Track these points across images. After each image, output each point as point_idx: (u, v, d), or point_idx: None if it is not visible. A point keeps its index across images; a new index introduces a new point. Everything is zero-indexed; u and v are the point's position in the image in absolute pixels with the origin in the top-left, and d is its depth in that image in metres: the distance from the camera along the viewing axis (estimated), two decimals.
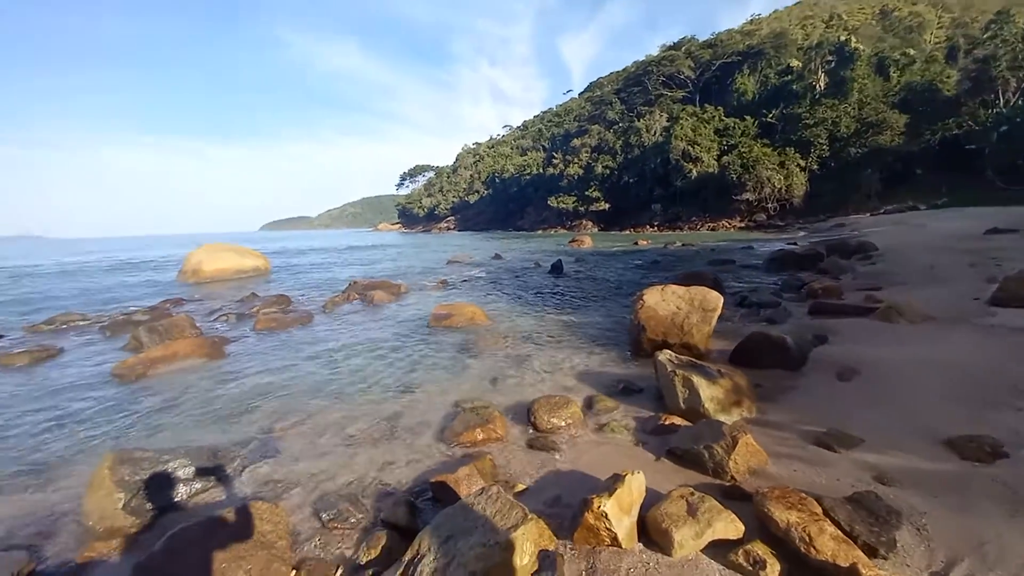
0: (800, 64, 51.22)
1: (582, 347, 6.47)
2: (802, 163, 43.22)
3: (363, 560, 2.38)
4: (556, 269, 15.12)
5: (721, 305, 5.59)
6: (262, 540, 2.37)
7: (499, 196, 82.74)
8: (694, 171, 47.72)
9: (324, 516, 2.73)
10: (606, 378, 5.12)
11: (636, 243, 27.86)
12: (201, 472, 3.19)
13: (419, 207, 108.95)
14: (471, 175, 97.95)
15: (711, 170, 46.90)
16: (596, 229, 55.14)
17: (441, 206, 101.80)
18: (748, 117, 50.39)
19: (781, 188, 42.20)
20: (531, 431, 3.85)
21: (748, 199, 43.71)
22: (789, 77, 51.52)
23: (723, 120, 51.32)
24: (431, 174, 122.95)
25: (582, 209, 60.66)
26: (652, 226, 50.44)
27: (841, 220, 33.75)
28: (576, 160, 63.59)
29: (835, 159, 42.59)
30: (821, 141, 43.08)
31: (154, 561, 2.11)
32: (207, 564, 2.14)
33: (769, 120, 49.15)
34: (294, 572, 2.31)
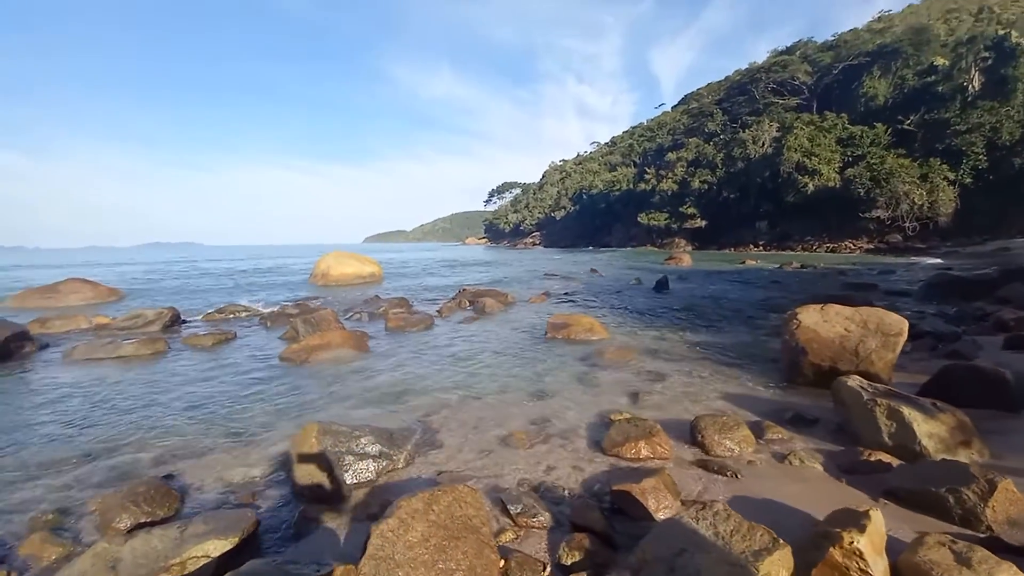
0: (947, 62, 44.25)
1: (719, 369, 5.99)
2: (951, 176, 37.00)
3: (566, 561, 2.32)
4: (661, 286, 14.42)
5: (907, 330, 4.82)
6: (469, 523, 2.41)
7: (585, 212, 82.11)
8: (810, 185, 43.12)
9: (512, 509, 2.74)
10: (762, 404, 4.65)
11: (743, 262, 25.71)
12: (385, 451, 3.41)
13: (505, 222, 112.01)
14: (558, 191, 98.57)
15: (832, 184, 42.03)
16: (690, 247, 52.06)
17: (527, 222, 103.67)
18: (879, 124, 44.54)
19: (923, 204, 36.44)
20: (698, 451, 3.58)
21: (879, 217, 38.35)
22: (933, 77, 44.74)
23: (847, 128, 45.90)
24: (518, 191, 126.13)
25: (675, 226, 57.82)
26: (756, 245, 46.46)
27: (1005, 244, 28.07)
28: (670, 175, 60.96)
29: (994, 171, 35.83)
30: (977, 150, 36.61)
31: (384, 528, 2.23)
32: (428, 538, 2.23)
33: (906, 127, 43.03)
34: (503, 562, 2.32)
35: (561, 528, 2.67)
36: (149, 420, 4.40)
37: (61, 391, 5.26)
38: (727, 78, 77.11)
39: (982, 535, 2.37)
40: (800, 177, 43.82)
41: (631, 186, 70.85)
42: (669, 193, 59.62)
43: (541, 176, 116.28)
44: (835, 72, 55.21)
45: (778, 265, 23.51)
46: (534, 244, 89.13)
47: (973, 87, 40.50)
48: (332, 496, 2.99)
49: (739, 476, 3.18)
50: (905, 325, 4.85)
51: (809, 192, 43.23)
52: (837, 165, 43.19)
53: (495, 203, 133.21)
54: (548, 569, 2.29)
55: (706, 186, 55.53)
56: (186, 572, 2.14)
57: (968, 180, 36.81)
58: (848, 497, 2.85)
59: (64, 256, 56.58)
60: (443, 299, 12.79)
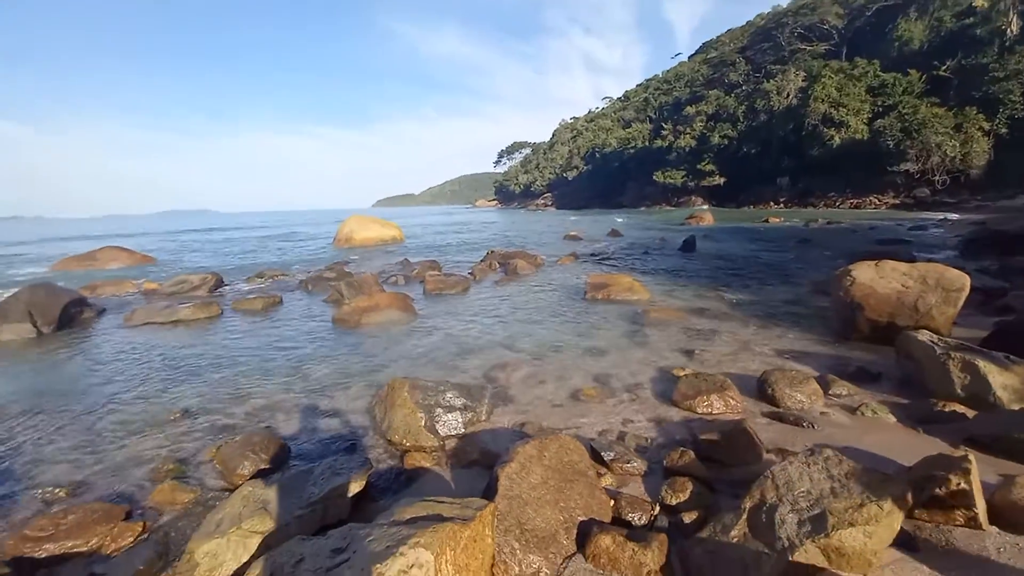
0: (985, 3, 40.87)
1: (766, 326, 6.05)
2: (986, 126, 35.10)
3: (671, 501, 2.48)
4: (688, 245, 14.27)
5: (968, 285, 4.78)
6: (577, 468, 2.57)
7: (598, 172, 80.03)
8: (836, 138, 41.28)
9: (605, 456, 2.89)
10: (819, 360, 4.72)
11: (766, 220, 25.19)
12: (469, 404, 3.58)
13: (516, 184, 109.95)
14: (569, 151, 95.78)
15: (859, 136, 40.19)
16: (707, 205, 50.92)
17: (538, 183, 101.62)
18: (913, 71, 41.91)
19: (955, 156, 34.84)
20: (768, 405, 3.69)
21: (908, 170, 36.86)
22: (971, 19, 41.54)
23: (879, 76, 43.29)
24: (528, 151, 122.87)
25: (692, 184, 56.34)
26: (777, 202, 45.23)
27: None
28: (688, 130, 58.70)
29: None
30: (1014, 98, 34.43)
31: (509, 471, 2.38)
32: (547, 480, 2.38)
33: (942, 73, 40.43)
34: (612, 503, 2.48)
35: (654, 474, 2.83)
36: (230, 379, 4.63)
37: (136, 354, 5.51)
38: (749, 23, 72.42)
39: None
40: (826, 130, 41.89)
41: (646, 143, 68.53)
42: (687, 149, 57.66)
43: (551, 135, 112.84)
44: (868, 14, 51.50)
45: (803, 222, 23.01)
46: (546, 206, 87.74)
47: (1012, 31, 37.57)
48: (428, 445, 3.18)
49: (815, 427, 3.29)
50: (967, 280, 4.81)
51: (835, 145, 41.43)
52: (866, 116, 41.12)
53: (505, 164, 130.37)
54: (657, 508, 2.45)
55: (726, 141, 53.53)
56: (328, 508, 2.34)
57: (1004, 130, 34.92)
58: (928, 445, 2.95)
59: (84, 226, 57.28)
60: (470, 261, 12.87)
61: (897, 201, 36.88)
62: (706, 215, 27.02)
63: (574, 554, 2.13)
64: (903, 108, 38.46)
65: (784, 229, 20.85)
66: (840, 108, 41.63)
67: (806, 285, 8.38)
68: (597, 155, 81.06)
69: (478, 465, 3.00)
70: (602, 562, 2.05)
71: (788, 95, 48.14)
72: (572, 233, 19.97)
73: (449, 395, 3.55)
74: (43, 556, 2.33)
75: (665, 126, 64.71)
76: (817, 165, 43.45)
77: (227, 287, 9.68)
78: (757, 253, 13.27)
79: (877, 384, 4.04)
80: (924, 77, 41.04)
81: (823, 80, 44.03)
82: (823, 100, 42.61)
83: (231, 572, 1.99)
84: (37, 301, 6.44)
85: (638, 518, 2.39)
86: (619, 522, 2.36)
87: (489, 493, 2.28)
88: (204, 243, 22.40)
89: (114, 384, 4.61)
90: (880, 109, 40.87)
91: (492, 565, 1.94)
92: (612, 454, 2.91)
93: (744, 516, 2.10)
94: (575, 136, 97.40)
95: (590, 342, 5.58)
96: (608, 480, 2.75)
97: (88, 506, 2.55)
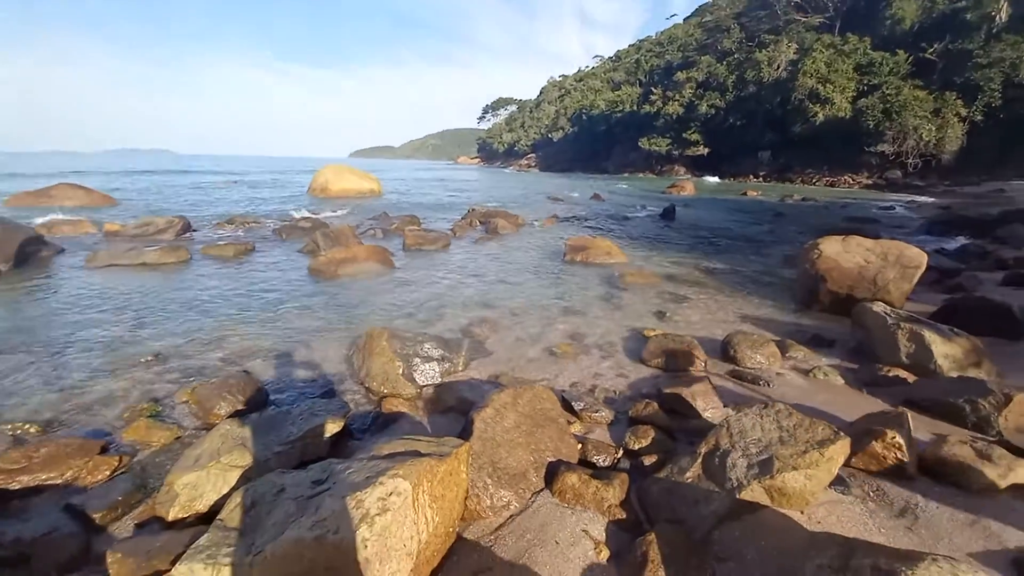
0: None
1: (736, 293, 6.30)
2: (963, 112, 35.87)
3: (634, 447, 2.65)
4: (668, 213, 14.42)
5: (926, 263, 5.06)
6: (548, 415, 2.71)
7: (584, 135, 78.49)
8: (820, 115, 41.51)
9: (575, 406, 3.04)
10: (781, 326, 4.98)
11: (744, 193, 25.56)
12: (446, 355, 3.66)
13: (499, 142, 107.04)
14: (556, 111, 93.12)
15: (843, 114, 40.50)
16: (689, 175, 51.09)
17: (522, 142, 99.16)
18: (900, 52, 41.97)
19: (930, 140, 35.71)
20: (730, 365, 3.91)
21: (883, 152, 37.67)
22: (963, 2, 41.45)
23: (868, 54, 43.21)
24: (513, 108, 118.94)
25: (676, 153, 56.14)
26: (756, 176, 45.72)
27: (1001, 185, 28.11)
28: (677, 97, 57.75)
29: (1006, 109, 34.74)
30: (993, 86, 35.08)
31: (484, 415, 2.48)
32: (520, 424, 2.51)
33: (928, 56, 40.65)
34: (580, 446, 2.64)
35: (620, 423, 3.00)
36: (202, 325, 4.54)
37: (102, 297, 5.31)
38: None
39: (992, 439, 2.75)
40: (811, 105, 41.97)
41: (635, 108, 67.22)
42: (674, 117, 56.96)
43: (539, 93, 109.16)
44: None
45: (779, 198, 23.47)
46: (529, 166, 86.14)
47: (1000, 18, 37.78)
48: (406, 393, 3.26)
49: (770, 385, 3.53)
50: (924, 259, 5.09)
51: (818, 123, 41.71)
52: (851, 94, 41.30)
53: (489, 121, 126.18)
54: (620, 452, 2.63)
55: (713, 111, 53.05)
56: (307, 447, 2.41)
57: (979, 117, 35.80)
58: (870, 405, 3.22)
59: (29, 162, 52.99)
60: (450, 218, 12.69)
61: (870, 182, 37.83)
62: (687, 184, 27.17)
63: (542, 490, 2.28)
64: (887, 89, 38.74)
65: (761, 203, 21.25)
66: (827, 84, 41.61)
67: (776, 257, 8.68)
68: (584, 117, 79.25)
69: (454, 411, 3.11)
70: (567, 497, 2.21)
71: (779, 67, 47.67)
72: (554, 195, 19.81)
73: (427, 346, 3.62)
74: (16, 488, 2.33)
75: (655, 91, 63.39)
76: (799, 141, 43.82)
77: (195, 232, 9.29)
78: (733, 225, 13.55)
79: (831, 350, 4.32)
80: (911, 58, 41.24)
81: (814, 54, 43.69)
82: (811, 75, 42.44)
83: (211, 503, 2.05)
84: None
85: (602, 460, 2.56)
86: (585, 464, 2.53)
87: (464, 435, 2.39)
88: (167, 186, 21.14)
89: (80, 325, 4.46)
90: (865, 88, 41.09)
91: (466, 498, 2.07)
92: (582, 404, 3.07)
93: (699, 460, 2.28)
94: (563, 95, 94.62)
95: (567, 302, 5.70)
96: (577, 427, 2.91)
97: (62, 440, 2.54)
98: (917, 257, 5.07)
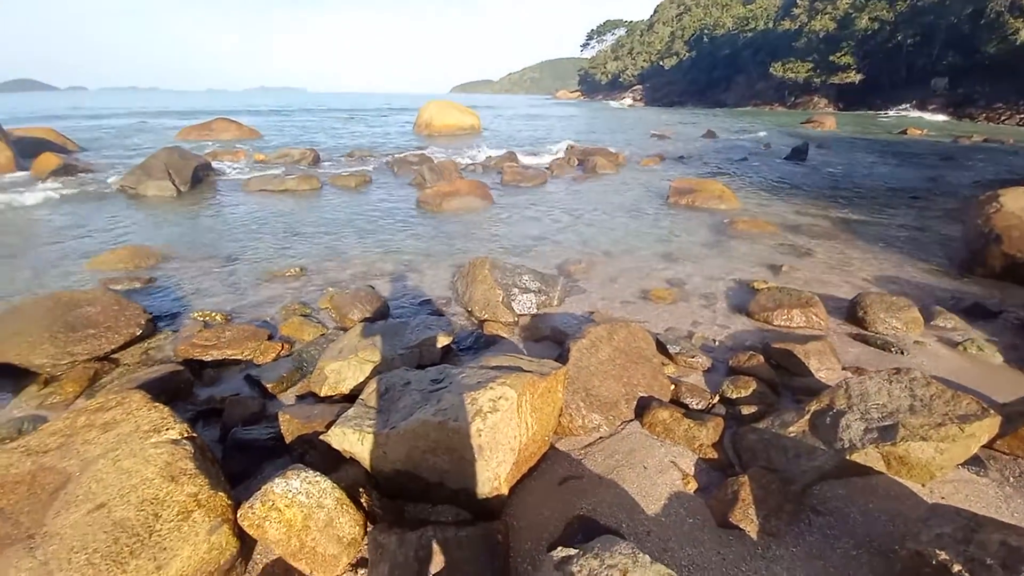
0: None
1: (873, 250, 5.47)
2: None
3: (732, 395, 2.60)
4: (798, 153, 12.52)
5: None
6: (643, 354, 2.75)
7: (703, 61, 68.93)
8: (1023, 32, 31.48)
9: (671, 349, 3.02)
10: (930, 291, 4.28)
11: (904, 131, 20.92)
12: (543, 288, 3.80)
13: (603, 73, 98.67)
14: (671, 32, 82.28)
15: None
16: (834, 109, 43.04)
17: (628, 72, 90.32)
18: None
19: None
20: (856, 328, 3.51)
21: None
22: None
23: None
24: (622, 31, 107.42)
25: (817, 81, 47.12)
26: (925, 109, 37.02)
27: None
28: (829, 9, 47.43)
29: None
30: None
31: (581, 345, 2.60)
32: (614, 358, 2.59)
33: None
34: (673, 387, 2.66)
35: (716, 371, 2.93)
36: (333, 245, 5.23)
37: (256, 215, 6.30)
38: None
39: None
40: (1012, 20, 31.84)
41: (770, 25, 56.94)
42: (820, 35, 47.17)
43: (652, 12, 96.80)
44: None
45: (952, 138, 18.93)
46: (635, 101, 79.00)
47: None
48: (504, 319, 3.49)
49: (904, 354, 3.13)
50: None
51: (1019, 41, 31.74)
52: None
53: (593, 48, 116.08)
54: (716, 399, 2.60)
55: (876, 26, 42.79)
56: (424, 353, 2.75)
57: None
58: None
59: (191, 99, 61.57)
60: (547, 155, 12.41)
61: None
62: (827, 120, 22.99)
63: (632, 420, 2.39)
64: None
65: (925, 143, 17.36)
66: None
67: (935, 210, 7.24)
68: (705, 38, 69.33)
69: (548, 340, 3.28)
70: (657, 431, 2.29)
71: None
72: (660, 132, 18.18)
73: (526, 277, 3.77)
74: (208, 360, 3.02)
75: (799, 2, 52.64)
76: (988, 66, 33.98)
77: (324, 163, 10.33)
78: (884, 169, 11.39)
79: (992, 323, 3.64)
80: None
81: None
82: None
83: (352, 386, 2.49)
84: (173, 162, 7.37)
85: (696, 403, 2.56)
86: (677, 404, 2.56)
87: (561, 360, 2.53)
88: (299, 121, 23.42)
89: (244, 240, 5.40)
90: None
91: (560, 415, 2.25)
92: (678, 348, 3.03)
93: (807, 416, 2.18)
94: (682, 13, 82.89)
95: (667, 247, 5.45)
96: (671, 370, 2.91)
97: (240, 326, 3.21)
98: None
